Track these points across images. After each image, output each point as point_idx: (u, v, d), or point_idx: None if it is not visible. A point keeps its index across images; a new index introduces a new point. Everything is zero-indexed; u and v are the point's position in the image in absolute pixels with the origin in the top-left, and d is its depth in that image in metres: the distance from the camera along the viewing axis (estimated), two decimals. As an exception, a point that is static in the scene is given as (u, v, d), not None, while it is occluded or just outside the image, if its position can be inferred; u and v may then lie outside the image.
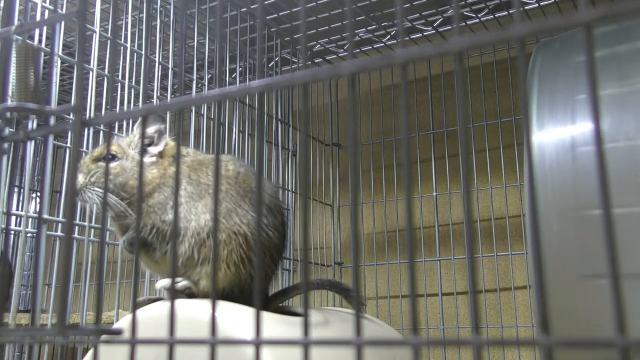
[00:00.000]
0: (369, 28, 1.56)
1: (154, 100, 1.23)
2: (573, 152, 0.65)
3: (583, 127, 0.67)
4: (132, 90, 1.15)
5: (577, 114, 0.67)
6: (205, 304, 0.72)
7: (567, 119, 0.68)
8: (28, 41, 0.55)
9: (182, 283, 0.82)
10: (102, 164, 0.84)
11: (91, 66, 1.05)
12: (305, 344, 0.31)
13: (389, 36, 1.58)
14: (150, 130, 0.88)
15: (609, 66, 0.67)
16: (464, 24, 1.50)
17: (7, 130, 0.47)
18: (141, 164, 0.42)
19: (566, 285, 0.62)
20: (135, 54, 1.17)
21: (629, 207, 0.60)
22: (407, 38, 1.57)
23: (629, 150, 0.61)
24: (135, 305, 0.39)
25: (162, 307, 0.73)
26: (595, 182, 0.62)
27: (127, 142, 0.88)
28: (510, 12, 1.44)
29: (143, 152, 0.80)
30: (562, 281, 0.63)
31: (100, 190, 0.81)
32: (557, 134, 0.68)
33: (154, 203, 0.83)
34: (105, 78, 1.08)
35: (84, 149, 1.00)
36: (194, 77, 1.38)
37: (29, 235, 1.06)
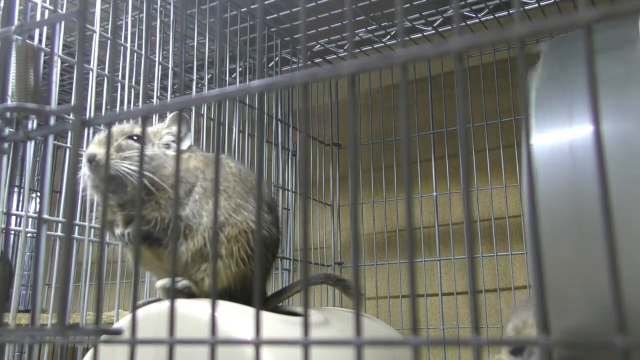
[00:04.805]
0: (369, 28, 1.56)
1: (154, 100, 1.23)
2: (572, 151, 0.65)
3: (583, 128, 0.67)
4: (132, 90, 1.15)
5: (575, 115, 0.67)
6: (205, 303, 0.72)
7: (564, 120, 0.68)
8: (28, 41, 0.55)
9: (181, 282, 0.82)
10: (132, 142, 0.81)
11: (91, 66, 1.05)
12: (305, 344, 0.31)
13: (389, 36, 1.58)
14: (183, 128, 0.88)
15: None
16: (464, 24, 1.50)
17: (7, 130, 0.47)
18: (141, 162, 0.42)
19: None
20: (135, 54, 1.17)
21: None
22: (407, 38, 1.57)
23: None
24: (135, 307, 0.39)
25: (162, 306, 0.73)
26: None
27: (153, 131, 0.87)
28: (510, 12, 1.43)
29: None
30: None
31: (131, 167, 0.78)
32: (556, 134, 0.68)
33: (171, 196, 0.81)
34: (105, 78, 1.08)
35: (84, 149, 1.00)
36: (194, 77, 1.38)
37: (29, 235, 1.06)
